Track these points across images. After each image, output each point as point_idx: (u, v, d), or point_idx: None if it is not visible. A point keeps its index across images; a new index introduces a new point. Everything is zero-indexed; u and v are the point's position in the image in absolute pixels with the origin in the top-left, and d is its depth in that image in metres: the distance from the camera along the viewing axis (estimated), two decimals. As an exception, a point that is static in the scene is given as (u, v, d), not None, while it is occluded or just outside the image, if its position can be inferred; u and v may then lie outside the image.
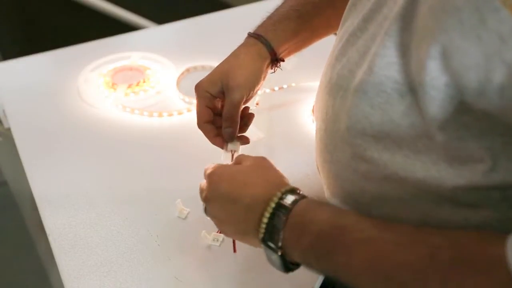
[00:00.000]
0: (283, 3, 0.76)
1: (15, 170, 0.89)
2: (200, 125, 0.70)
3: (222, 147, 0.70)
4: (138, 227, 0.72)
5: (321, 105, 0.60)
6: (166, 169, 0.82)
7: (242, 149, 0.83)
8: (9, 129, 0.92)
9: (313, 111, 0.91)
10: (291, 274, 0.54)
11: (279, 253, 0.52)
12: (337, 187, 0.58)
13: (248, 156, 0.61)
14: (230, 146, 0.70)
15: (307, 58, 0.80)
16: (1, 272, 1.54)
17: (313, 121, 0.89)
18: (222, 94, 0.69)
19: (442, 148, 0.46)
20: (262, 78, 0.71)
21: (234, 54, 0.70)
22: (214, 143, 0.71)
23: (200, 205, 0.61)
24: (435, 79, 0.43)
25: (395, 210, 0.52)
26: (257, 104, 0.90)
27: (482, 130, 0.43)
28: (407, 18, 0.47)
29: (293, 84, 0.96)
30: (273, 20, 0.73)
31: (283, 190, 0.54)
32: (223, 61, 0.70)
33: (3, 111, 0.95)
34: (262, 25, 0.73)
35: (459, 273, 0.43)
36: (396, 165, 0.49)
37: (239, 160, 0.62)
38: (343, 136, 0.54)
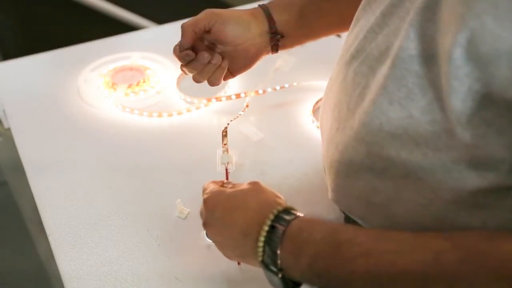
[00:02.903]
0: None
1: (15, 170, 0.89)
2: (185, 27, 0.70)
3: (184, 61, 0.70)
4: (138, 227, 0.72)
5: (333, 104, 0.59)
6: (166, 169, 0.82)
7: (242, 149, 0.83)
8: (9, 129, 0.92)
9: (313, 111, 0.91)
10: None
11: (280, 275, 0.51)
12: (347, 188, 0.58)
13: (242, 183, 0.62)
14: (223, 158, 0.71)
15: (307, 57, 0.80)
16: (1, 272, 1.54)
17: (312, 122, 0.89)
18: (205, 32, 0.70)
19: (463, 146, 0.45)
20: (248, 32, 0.70)
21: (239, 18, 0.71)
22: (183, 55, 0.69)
23: (200, 204, 0.61)
24: (458, 68, 0.42)
25: (409, 212, 0.52)
26: (247, 106, 0.90)
27: (504, 127, 0.42)
28: (432, 9, 0.46)
29: (295, 84, 0.96)
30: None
31: (275, 211, 0.53)
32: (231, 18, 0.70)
33: (3, 111, 0.95)
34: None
35: (466, 274, 0.42)
36: (414, 164, 0.48)
37: (234, 186, 0.62)
38: (359, 133, 0.53)
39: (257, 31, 0.71)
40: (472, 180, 0.46)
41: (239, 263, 0.66)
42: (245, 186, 0.60)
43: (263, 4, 0.72)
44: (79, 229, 0.72)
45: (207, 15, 0.70)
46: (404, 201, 0.52)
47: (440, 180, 0.47)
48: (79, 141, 0.88)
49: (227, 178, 0.70)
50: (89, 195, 0.77)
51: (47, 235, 0.72)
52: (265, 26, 0.71)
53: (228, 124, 0.75)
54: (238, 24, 0.69)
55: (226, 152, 0.72)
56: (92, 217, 0.74)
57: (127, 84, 0.98)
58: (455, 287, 0.42)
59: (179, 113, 0.92)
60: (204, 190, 0.63)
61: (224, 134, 0.72)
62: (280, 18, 0.71)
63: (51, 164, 0.83)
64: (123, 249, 0.69)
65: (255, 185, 0.60)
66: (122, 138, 0.88)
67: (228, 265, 0.66)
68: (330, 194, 0.62)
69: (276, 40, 0.72)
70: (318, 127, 0.87)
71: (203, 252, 0.68)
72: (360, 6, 0.60)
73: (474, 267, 0.42)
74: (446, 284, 0.43)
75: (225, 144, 0.72)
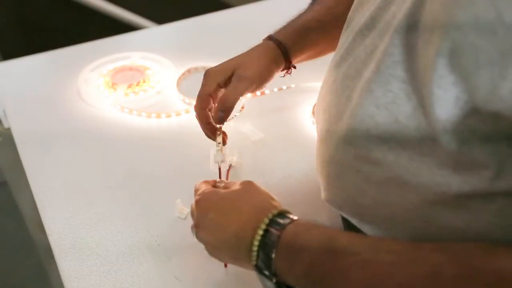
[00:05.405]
0: (307, 10, 0.77)
1: (15, 170, 0.89)
2: (198, 110, 0.71)
3: (211, 134, 0.72)
4: (138, 227, 0.72)
5: (324, 105, 0.59)
6: (166, 169, 0.82)
7: (242, 149, 0.83)
8: (9, 129, 0.92)
9: (313, 112, 0.91)
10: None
11: (274, 281, 0.51)
12: (337, 188, 0.58)
13: (235, 182, 0.61)
14: (216, 157, 0.70)
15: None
16: (1, 272, 1.54)
17: (313, 123, 0.89)
18: (228, 84, 0.71)
19: (447, 152, 0.45)
20: (271, 80, 0.73)
21: (252, 51, 0.73)
22: (205, 129, 0.72)
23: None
24: (442, 77, 0.42)
25: (396, 214, 0.52)
26: (242, 108, 0.90)
27: (488, 134, 0.42)
28: (416, 16, 0.46)
29: (293, 85, 0.96)
30: (295, 28, 0.74)
31: (270, 215, 0.53)
32: (240, 54, 0.73)
33: (3, 111, 0.95)
34: (284, 30, 0.75)
35: None
36: (400, 168, 0.49)
37: (227, 185, 0.62)
38: (346, 136, 0.53)
39: (276, 73, 0.74)
40: (456, 184, 0.46)
41: (225, 266, 0.65)
42: (237, 186, 0.59)
43: (281, 44, 0.73)
44: (79, 229, 0.72)
45: (236, 78, 0.70)
46: (389, 203, 0.52)
47: (424, 183, 0.47)
48: (79, 141, 0.88)
49: (220, 177, 0.70)
50: (89, 195, 0.77)
51: (47, 235, 0.72)
52: (283, 66, 0.74)
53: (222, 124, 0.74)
54: (264, 80, 0.72)
55: (220, 151, 0.71)
56: (92, 217, 0.74)
57: (127, 84, 0.98)
58: None
59: (178, 114, 0.92)
60: (196, 191, 0.62)
61: (218, 133, 0.72)
62: (297, 59, 0.75)
63: (51, 164, 0.83)
64: (123, 249, 0.69)
65: (248, 186, 0.59)
66: (122, 138, 0.88)
67: (228, 265, 0.66)
68: (322, 194, 0.62)
69: (288, 71, 0.76)
70: (318, 127, 0.87)
71: (203, 252, 0.68)
72: (353, 7, 0.60)
73: (469, 284, 0.42)
74: None
75: (219, 143, 0.72)
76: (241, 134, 0.87)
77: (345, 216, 0.60)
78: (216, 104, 0.71)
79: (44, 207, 0.76)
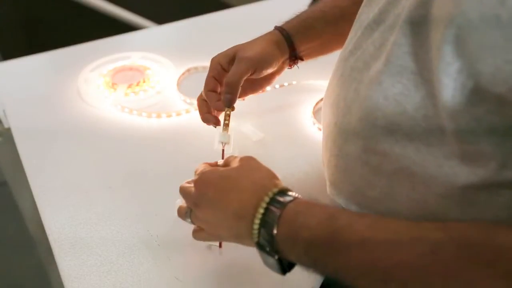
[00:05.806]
0: (314, 5, 0.78)
1: (15, 170, 0.89)
2: (205, 91, 0.72)
3: (222, 110, 0.72)
4: (138, 227, 0.72)
5: (332, 99, 0.59)
6: (166, 169, 0.82)
7: (242, 149, 0.83)
8: (9, 129, 0.92)
9: (314, 112, 0.91)
10: (292, 274, 0.53)
11: (276, 257, 0.51)
12: (345, 182, 0.58)
13: (235, 157, 0.60)
14: (221, 137, 0.70)
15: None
16: (1, 272, 1.54)
17: (313, 123, 0.89)
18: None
19: (454, 142, 0.45)
20: (275, 65, 0.72)
21: (255, 38, 0.73)
22: (215, 106, 0.72)
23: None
24: (448, 65, 0.43)
25: (404, 207, 0.52)
26: (243, 99, 0.90)
27: (494, 124, 0.43)
28: (426, 6, 0.46)
29: (294, 82, 0.96)
30: (300, 18, 0.75)
31: (270, 194, 0.52)
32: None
33: (3, 111, 0.95)
34: (288, 21, 0.75)
35: (463, 267, 0.42)
36: (408, 159, 0.49)
37: (227, 162, 0.61)
38: (355, 128, 0.53)
39: (280, 60, 0.73)
40: (463, 175, 0.46)
41: (220, 246, 0.66)
42: (237, 163, 0.58)
43: (283, 30, 0.73)
44: (79, 229, 0.72)
45: (240, 60, 0.70)
46: (398, 195, 0.52)
47: (432, 175, 0.48)
48: (79, 141, 0.88)
49: (223, 158, 0.69)
50: (89, 195, 0.77)
51: (47, 235, 0.72)
52: (287, 54, 0.73)
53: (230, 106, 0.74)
54: (265, 62, 0.71)
55: (226, 131, 0.70)
56: (92, 217, 0.74)
57: (127, 84, 0.98)
58: (451, 281, 0.43)
59: (178, 114, 0.92)
60: (195, 171, 0.62)
61: (227, 112, 0.71)
62: (302, 48, 0.74)
63: (51, 164, 0.83)
64: (123, 249, 0.69)
65: (249, 161, 0.58)
66: (122, 138, 0.88)
67: (228, 265, 0.66)
68: (328, 189, 0.62)
69: (295, 62, 0.75)
70: (319, 129, 0.87)
71: (203, 252, 0.68)
72: (363, 3, 0.61)
73: (470, 262, 0.42)
74: (442, 278, 0.43)
75: (226, 124, 0.71)
76: (241, 134, 0.87)
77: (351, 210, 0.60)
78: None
79: (44, 207, 0.76)
